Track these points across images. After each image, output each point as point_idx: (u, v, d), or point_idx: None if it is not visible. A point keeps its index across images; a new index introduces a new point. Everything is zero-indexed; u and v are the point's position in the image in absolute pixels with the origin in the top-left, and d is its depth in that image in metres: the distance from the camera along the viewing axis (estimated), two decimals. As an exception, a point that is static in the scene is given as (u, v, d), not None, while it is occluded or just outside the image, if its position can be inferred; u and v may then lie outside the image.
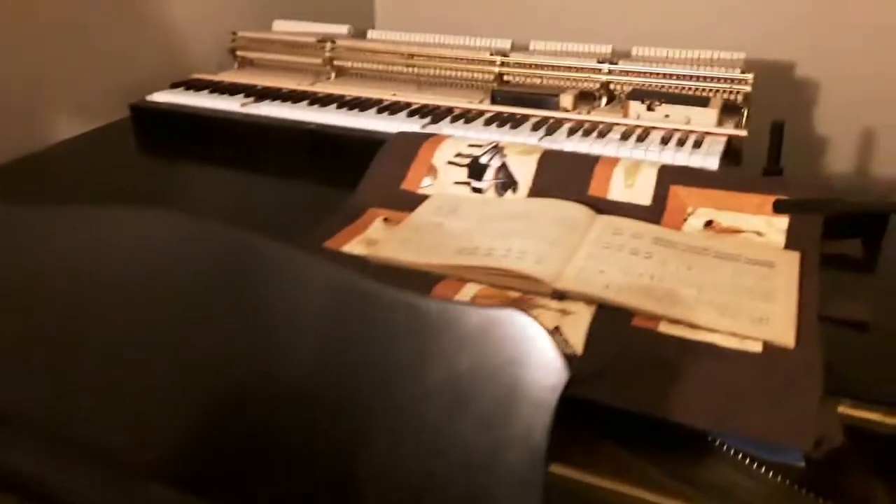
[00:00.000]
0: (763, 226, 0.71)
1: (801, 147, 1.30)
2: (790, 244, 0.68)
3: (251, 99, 1.09)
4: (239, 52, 1.31)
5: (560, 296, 0.62)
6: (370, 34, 1.27)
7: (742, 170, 0.87)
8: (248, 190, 0.94)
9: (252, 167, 0.97)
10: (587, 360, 0.55)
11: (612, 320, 0.58)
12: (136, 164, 1.00)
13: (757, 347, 0.55)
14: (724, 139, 0.91)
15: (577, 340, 0.57)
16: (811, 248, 0.66)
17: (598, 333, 0.57)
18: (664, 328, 0.57)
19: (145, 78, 1.17)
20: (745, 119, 0.97)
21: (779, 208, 0.68)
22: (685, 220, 0.73)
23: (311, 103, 1.06)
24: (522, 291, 0.63)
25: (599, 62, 1.05)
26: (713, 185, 0.74)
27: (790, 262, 0.65)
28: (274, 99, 1.09)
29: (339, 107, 1.05)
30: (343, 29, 1.28)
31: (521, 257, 0.65)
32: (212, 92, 1.12)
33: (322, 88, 1.15)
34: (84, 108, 1.11)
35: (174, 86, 1.16)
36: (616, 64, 1.05)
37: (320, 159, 0.96)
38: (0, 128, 1.00)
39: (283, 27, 1.33)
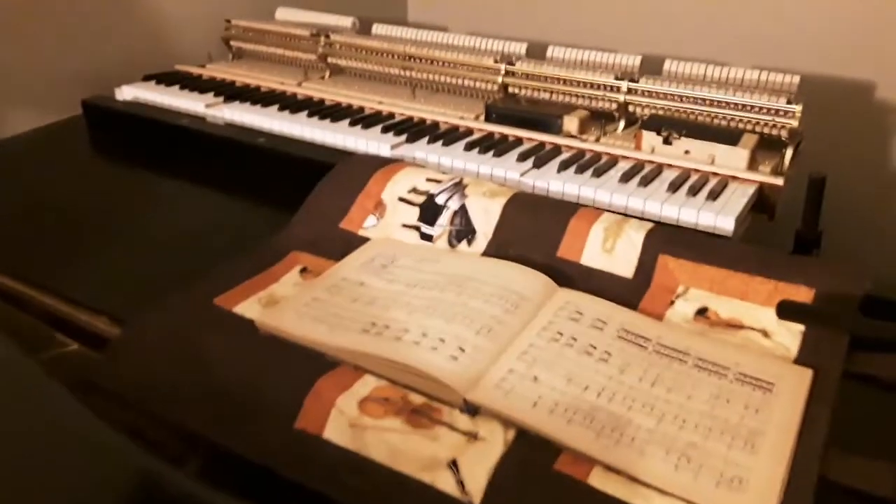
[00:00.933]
0: (772, 323, 0.54)
1: (862, 199, 1.08)
2: (804, 355, 0.51)
3: (220, 99, 0.97)
4: (233, 42, 1.19)
5: (474, 410, 0.47)
6: (375, 29, 1.13)
7: (757, 238, 0.69)
8: (192, 203, 0.82)
9: (200, 178, 0.85)
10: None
11: (529, 458, 0.43)
12: (75, 166, 0.90)
13: (716, 529, 0.39)
14: (753, 187, 0.73)
15: (477, 486, 0.42)
16: (831, 366, 0.49)
17: (504, 478, 0.42)
18: (596, 479, 0.42)
19: (127, 68, 1.07)
20: (785, 162, 0.78)
21: (782, 312, 0.51)
22: (672, 303, 0.57)
23: (282, 108, 0.93)
24: (428, 396, 0.48)
25: (618, 78, 0.88)
26: (715, 261, 0.57)
27: (797, 387, 0.48)
28: (245, 100, 0.96)
29: (311, 114, 0.92)
30: (347, 21, 1.15)
31: (434, 348, 0.50)
32: (182, 88, 1.01)
33: (309, 88, 1.02)
34: (47, 99, 1.01)
35: (146, 78, 1.05)
36: (637, 82, 0.87)
37: (269, 176, 0.83)
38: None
39: (285, 16, 1.20)
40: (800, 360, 0.51)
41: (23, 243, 0.72)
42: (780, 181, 0.74)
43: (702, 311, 0.56)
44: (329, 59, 1.08)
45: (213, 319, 0.55)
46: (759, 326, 0.54)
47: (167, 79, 1.04)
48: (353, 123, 0.89)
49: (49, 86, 1.01)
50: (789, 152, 0.79)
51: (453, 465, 0.43)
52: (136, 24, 1.15)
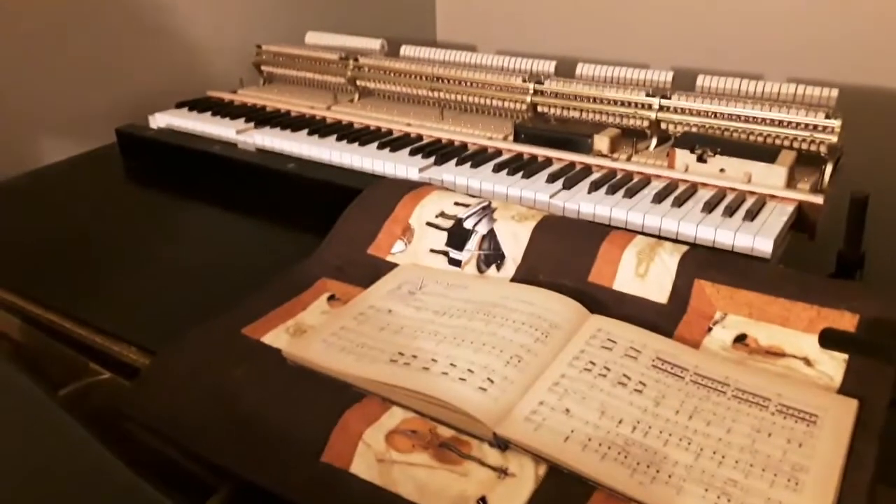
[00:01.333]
0: (815, 351, 0.51)
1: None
2: (848, 385, 0.49)
3: (250, 125, 0.98)
4: (264, 67, 1.20)
5: (504, 444, 0.46)
6: (403, 50, 1.13)
7: (797, 258, 0.67)
8: (223, 230, 0.83)
9: (231, 204, 0.86)
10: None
11: (561, 496, 0.42)
12: (108, 194, 0.91)
13: (759, 574, 0.37)
14: (791, 206, 0.71)
15: (506, 523, 0.41)
16: (877, 396, 0.47)
17: (535, 516, 0.41)
18: (631, 518, 0.40)
19: (161, 95, 1.09)
20: (825, 179, 0.76)
21: (826, 341, 0.49)
22: (709, 329, 0.55)
23: (312, 132, 0.94)
24: (456, 429, 0.47)
25: (649, 95, 0.87)
26: (753, 285, 0.55)
27: (842, 419, 0.45)
28: (275, 125, 0.97)
29: (340, 138, 0.92)
30: (375, 44, 1.15)
31: (462, 379, 0.49)
32: (214, 114, 1.02)
33: (338, 111, 1.02)
34: (83, 129, 1.03)
35: (179, 105, 1.06)
36: (669, 98, 0.86)
37: (299, 201, 0.83)
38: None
39: (315, 40, 1.21)
40: (844, 390, 0.48)
41: (56, 272, 0.73)
42: (819, 199, 0.71)
43: (740, 338, 0.54)
44: (358, 82, 1.09)
45: (240, 350, 0.55)
46: (800, 354, 0.52)
47: (199, 105, 1.05)
48: (381, 146, 0.89)
49: (84, 115, 1.04)
50: (829, 169, 0.77)
51: (482, 501, 0.42)
52: (168, 53, 1.17)
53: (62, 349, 0.66)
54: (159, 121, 1.03)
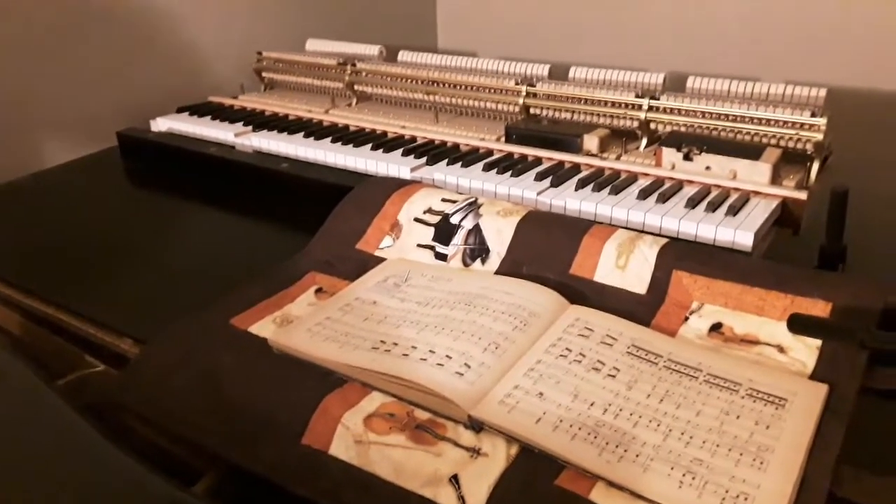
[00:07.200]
0: (789, 338, 0.52)
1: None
2: (820, 371, 0.49)
3: (248, 128, 1.00)
4: (264, 73, 1.23)
5: (478, 426, 0.47)
6: (401, 56, 1.15)
7: (782, 253, 0.68)
8: (218, 228, 0.84)
9: (227, 204, 0.87)
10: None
11: (531, 474, 0.43)
12: (108, 195, 0.93)
13: (719, 547, 0.38)
14: (775, 202, 0.72)
15: (477, 500, 0.42)
16: (847, 382, 0.48)
17: (505, 494, 0.42)
18: (598, 495, 0.41)
19: (163, 101, 1.11)
20: (811, 176, 0.77)
21: (794, 325, 0.50)
22: (686, 319, 0.56)
23: (308, 135, 0.96)
24: (432, 412, 0.48)
25: (639, 96, 0.88)
26: (730, 276, 0.56)
27: (810, 403, 0.46)
28: (272, 128, 0.99)
29: (335, 140, 0.94)
30: (374, 50, 1.17)
31: (440, 365, 0.50)
32: (214, 118, 1.04)
33: (335, 115, 1.04)
34: (85, 132, 1.06)
35: (180, 110, 1.09)
36: (658, 99, 0.87)
37: (292, 200, 0.85)
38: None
39: (315, 46, 1.24)
40: (816, 376, 0.49)
41: (55, 268, 0.75)
42: (803, 195, 0.72)
43: (716, 327, 0.55)
44: (356, 87, 1.11)
45: (227, 339, 0.57)
46: (774, 342, 0.53)
47: (200, 110, 1.08)
48: (375, 147, 0.90)
49: (87, 119, 1.06)
50: (815, 166, 0.78)
51: (454, 480, 0.43)
52: (171, 59, 1.20)
53: (59, 343, 0.67)
54: (160, 125, 1.05)
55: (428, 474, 0.44)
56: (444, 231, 0.68)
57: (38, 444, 0.49)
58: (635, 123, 0.89)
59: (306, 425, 0.48)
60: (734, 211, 0.69)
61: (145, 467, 0.44)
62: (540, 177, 0.79)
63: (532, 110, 0.97)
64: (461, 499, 0.42)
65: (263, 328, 0.58)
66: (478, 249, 0.66)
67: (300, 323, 0.58)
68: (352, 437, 0.47)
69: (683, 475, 0.41)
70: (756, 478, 0.41)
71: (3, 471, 0.46)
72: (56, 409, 0.51)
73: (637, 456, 0.43)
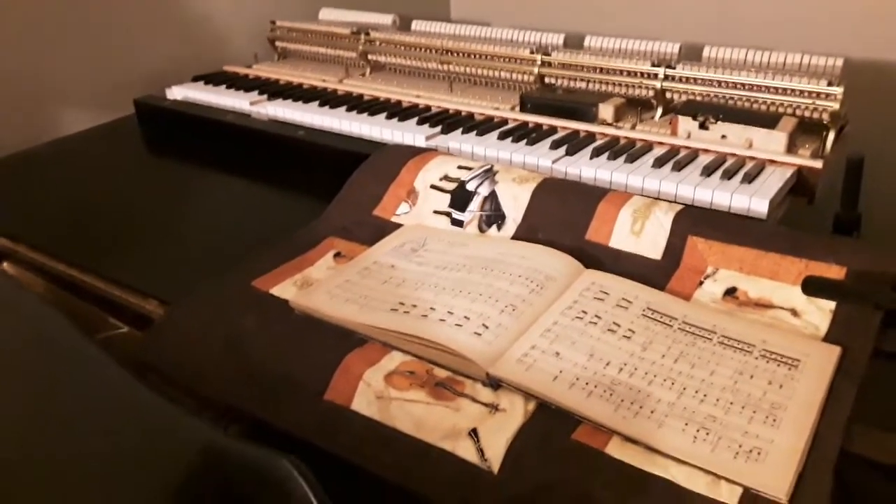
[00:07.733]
0: (802, 302, 0.53)
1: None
2: (834, 333, 0.50)
3: (263, 97, 1.00)
4: (278, 43, 1.23)
5: (496, 383, 0.48)
6: (414, 25, 1.15)
7: (798, 222, 0.68)
8: (236, 194, 0.86)
9: (244, 171, 0.88)
10: (504, 483, 0.41)
11: (548, 428, 0.44)
12: (127, 161, 0.94)
13: (732, 499, 0.39)
14: (791, 171, 0.72)
15: (496, 453, 0.43)
16: (860, 343, 0.48)
17: (523, 447, 0.43)
18: (614, 448, 0.43)
19: (178, 70, 1.12)
20: (827, 145, 0.77)
21: (808, 287, 0.50)
22: (700, 283, 0.57)
23: (322, 103, 0.96)
24: (451, 370, 0.50)
25: (655, 65, 0.88)
26: (745, 241, 0.57)
27: (823, 363, 0.47)
28: (287, 97, 0.99)
29: (350, 109, 0.94)
30: (387, 19, 1.17)
31: (459, 325, 0.51)
32: (229, 87, 1.05)
33: (349, 84, 1.04)
34: (103, 100, 1.07)
35: (195, 79, 1.09)
36: (674, 68, 0.87)
37: (308, 167, 0.85)
38: (12, 118, 0.98)
39: (329, 16, 1.24)
40: (829, 339, 0.50)
41: (79, 232, 0.76)
42: (818, 164, 0.72)
43: (731, 291, 0.56)
44: (369, 56, 1.11)
45: (250, 301, 0.58)
46: (788, 306, 0.53)
47: (215, 79, 1.08)
48: (389, 116, 0.91)
49: (105, 88, 1.07)
50: (831, 136, 0.78)
51: (474, 433, 0.44)
52: (185, 28, 1.20)
53: (82, 306, 0.69)
54: (176, 93, 1.06)
55: (447, 428, 0.45)
56: (461, 198, 0.68)
57: (73, 392, 0.50)
58: (651, 92, 0.89)
59: (328, 383, 0.49)
60: (749, 179, 0.69)
61: (180, 410, 0.46)
62: (555, 145, 0.80)
63: (547, 79, 0.96)
64: (480, 451, 0.43)
65: (285, 290, 0.59)
66: (494, 216, 0.67)
67: (320, 285, 0.59)
68: (373, 392, 0.48)
69: (697, 430, 0.43)
70: (769, 433, 0.42)
71: (40, 417, 0.48)
72: (93, 358, 0.52)
73: (652, 412, 0.44)
